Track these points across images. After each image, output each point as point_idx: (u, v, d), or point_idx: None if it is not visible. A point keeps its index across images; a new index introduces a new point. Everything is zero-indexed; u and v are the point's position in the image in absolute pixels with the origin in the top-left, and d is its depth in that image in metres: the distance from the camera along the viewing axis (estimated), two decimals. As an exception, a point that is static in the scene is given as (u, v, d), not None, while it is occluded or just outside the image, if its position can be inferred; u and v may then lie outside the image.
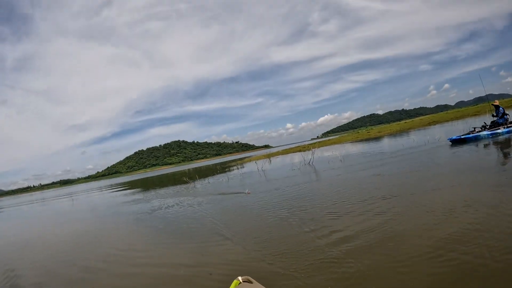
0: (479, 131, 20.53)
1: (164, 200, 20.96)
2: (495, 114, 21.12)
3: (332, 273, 5.39)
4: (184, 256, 7.92)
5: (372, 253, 5.82)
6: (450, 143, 20.53)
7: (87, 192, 62.90)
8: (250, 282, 3.75)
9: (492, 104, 21.77)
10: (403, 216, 7.54)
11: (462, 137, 20.24)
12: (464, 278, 4.49)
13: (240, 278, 3.77)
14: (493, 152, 15.19)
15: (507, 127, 20.09)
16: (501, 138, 18.83)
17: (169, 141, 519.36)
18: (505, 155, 13.73)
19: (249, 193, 14.57)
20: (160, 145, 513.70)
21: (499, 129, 20.11)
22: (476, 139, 19.91)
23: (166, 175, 73.93)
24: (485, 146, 17.10)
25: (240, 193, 16.80)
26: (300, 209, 10.47)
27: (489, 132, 20.06)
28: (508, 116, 20.77)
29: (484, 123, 21.47)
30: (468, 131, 21.48)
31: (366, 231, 7.02)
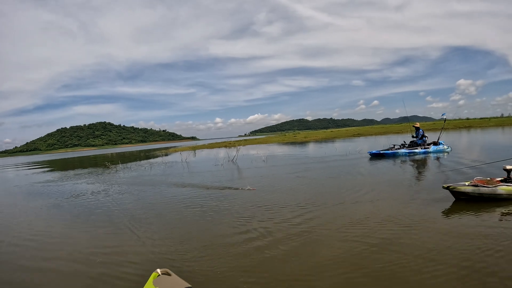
0: (398, 149, 21.57)
1: (80, 185, 20.15)
2: (414, 135, 22.22)
3: (246, 267, 5.46)
4: (98, 246, 7.48)
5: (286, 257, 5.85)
6: (370, 156, 21.43)
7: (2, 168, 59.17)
8: (169, 274, 4.12)
9: (413, 126, 23.05)
10: (318, 222, 7.69)
11: (381, 152, 21.26)
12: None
13: (159, 270, 4.11)
14: (407, 169, 15.97)
15: (424, 148, 21.21)
16: (417, 157, 19.80)
17: (94, 122, 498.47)
18: (419, 174, 14.47)
19: (253, 189, 12.97)
20: (84, 125, 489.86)
21: (417, 149, 21.17)
22: (394, 156, 20.83)
23: (88, 158, 71.08)
24: (402, 162, 17.99)
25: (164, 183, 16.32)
26: (213, 208, 10.39)
27: (407, 151, 21.07)
28: (426, 138, 21.96)
29: (404, 141, 22.49)
30: (388, 147, 22.39)
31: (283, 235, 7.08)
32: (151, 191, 14.60)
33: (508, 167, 8.91)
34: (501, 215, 7.32)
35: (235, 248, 6.33)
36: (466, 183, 8.68)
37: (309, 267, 5.23)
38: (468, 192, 8.43)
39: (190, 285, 3.90)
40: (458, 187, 8.50)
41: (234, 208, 9.89)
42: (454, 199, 8.66)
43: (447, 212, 7.79)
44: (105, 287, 5.26)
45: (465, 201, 8.41)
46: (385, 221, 7.25)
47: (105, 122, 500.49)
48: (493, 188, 8.28)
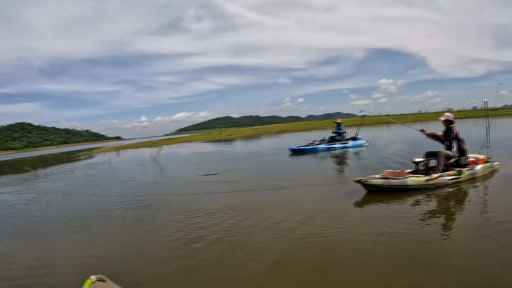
0: (318, 144, 21.96)
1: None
2: (335, 131, 22.76)
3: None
4: (25, 254, 7.10)
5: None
6: (291, 152, 21.64)
7: None
8: (104, 281, 3.83)
9: (335, 122, 23.70)
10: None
11: (301, 148, 21.58)
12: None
13: (93, 277, 3.79)
14: (324, 164, 16.34)
15: (343, 143, 21.77)
16: (336, 152, 20.21)
17: (12, 122, 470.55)
18: (335, 168, 14.90)
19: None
20: (2, 126, 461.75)
21: (336, 144, 21.71)
22: (314, 151, 21.09)
23: (8, 162, 66.91)
24: (321, 158, 18.33)
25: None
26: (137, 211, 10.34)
27: (326, 146, 21.52)
28: (346, 134, 22.60)
29: (323, 137, 23.11)
30: (308, 143, 22.71)
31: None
32: (74, 197, 13.84)
33: (416, 159, 9.46)
34: (411, 204, 7.68)
35: (166, 252, 6.15)
36: (377, 176, 8.86)
37: (233, 267, 5.14)
38: (379, 185, 8.62)
39: None
40: (369, 180, 8.66)
41: (161, 208, 9.78)
42: (367, 191, 8.83)
43: (360, 204, 8.03)
44: None
45: (377, 193, 8.61)
46: (300, 215, 7.31)
47: (24, 122, 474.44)
48: (402, 179, 8.55)
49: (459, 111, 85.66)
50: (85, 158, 42.50)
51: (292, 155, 20.63)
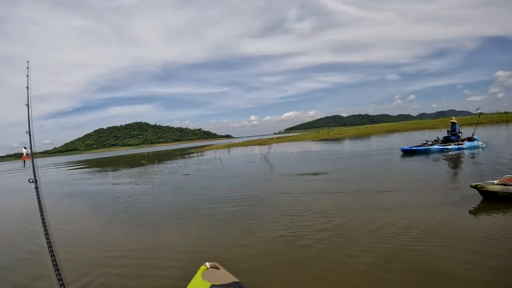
0: (430, 145, 21.18)
1: (125, 185, 20.64)
2: (450, 130, 21.85)
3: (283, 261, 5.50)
4: (140, 239, 7.89)
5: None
6: (402, 152, 21.11)
7: (49, 168, 60.95)
8: (217, 268, 4.13)
9: (450, 121, 22.60)
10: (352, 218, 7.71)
11: (413, 148, 20.91)
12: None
13: (207, 263, 4.12)
14: (438, 166, 15.53)
15: (458, 144, 20.71)
16: (450, 153, 19.28)
17: (130, 122, 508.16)
18: (450, 171, 14.06)
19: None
20: (121, 125, 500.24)
21: (450, 145, 20.75)
22: (426, 152, 20.42)
23: (125, 157, 72.46)
24: (434, 159, 17.53)
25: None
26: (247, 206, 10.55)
27: (440, 147, 20.67)
28: (461, 134, 21.50)
29: (437, 137, 22.25)
30: (421, 143, 22.03)
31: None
32: (185, 190, 14.71)
33: None
34: None
35: (270, 246, 6.47)
36: (495, 182, 8.26)
37: (345, 268, 5.22)
38: (497, 191, 7.97)
39: (238, 280, 3.82)
40: (486, 186, 8.07)
41: (269, 205, 10.05)
42: (483, 198, 8.29)
43: (474, 212, 7.51)
44: (156, 279, 5.46)
45: (494, 201, 7.99)
46: (412, 221, 7.13)
47: (141, 122, 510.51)
48: None
49: None
50: (197, 155, 44.43)
51: (403, 155, 20.05)
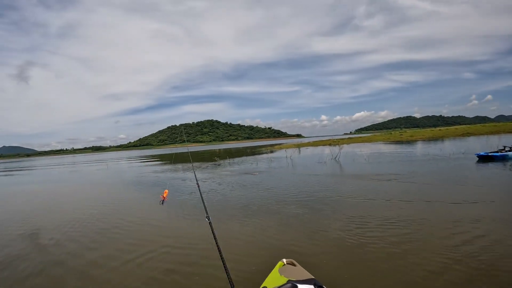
0: (508, 151, 20.32)
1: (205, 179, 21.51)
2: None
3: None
4: (240, 235, 8.24)
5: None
6: (477, 158, 20.51)
7: (128, 161, 64.23)
8: (294, 265, 4.34)
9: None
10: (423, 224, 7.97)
11: (490, 154, 20.14)
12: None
13: (284, 260, 4.32)
14: None
15: (539, 150, 19.60)
16: (530, 160, 18.21)
17: (202, 120, 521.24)
18: None
19: (255, 174, 14.35)
20: (193, 122, 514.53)
21: (531, 152, 19.69)
22: (503, 158, 19.69)
23: (200, 153, 74.87)
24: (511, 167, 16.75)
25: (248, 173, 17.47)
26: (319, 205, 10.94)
27: (519, 154, 19.72)
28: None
29: (516, 143, 21.27)
30: (497, 149, 21.37)
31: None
32: (261, 187, 15.21)
33: None
34: None
35: (349, 244, 6.82)
36: None
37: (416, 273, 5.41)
38: None
39: (313, 277, 3.74)
40: None
41: (337, 202, 10.40)
42: None
43: None
44: (233, 271, 5.62)
45: None
46: (483, 236, 7.11)
47: (212, 119, 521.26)
48: None
49: None
50: (268, 154, 44.98)
51: (478, 161, 19.39)
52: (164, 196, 4.88)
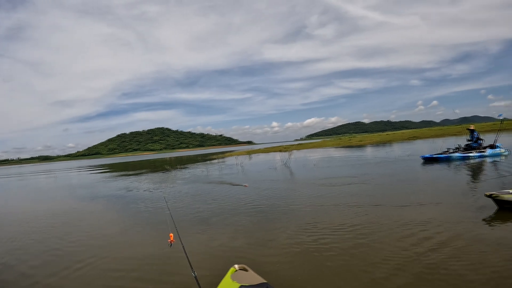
0: (452, 152, 21.06)
1: (151, 192, 21.38)
2: (469, 138, 21.76)
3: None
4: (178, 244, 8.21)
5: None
6: (423, 160, 21.17)
7: (72, 171, 62.23)
8: (246, 270, 4.34)
9: (467, 129, 22.49)
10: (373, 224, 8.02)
11: (435, 156, 20.90)
12: None
13: (236, 266, 4.36)
14: (458, 175, 15.33)
15: (479, 151, 20.62)
16: (472, 161, 19.16)
17: (153, 127, 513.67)
18: (470, 180, 13.90)
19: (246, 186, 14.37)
20: (143, 130, 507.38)
21: (472, 153, 20.63)
22: (447, 160, 20.39)
23: (148, 161, 73.68)
24: (455, 167, 17.40)
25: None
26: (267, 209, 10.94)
27: (461, 155, 20.56)
28: (482, 141, 21.35)
29: (458, 145, 22.21)
30: (442, 151, 22.07)
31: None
32: (212, 193, 15.18)
33: None
34: None
35: (300, 249, 6.79)
36: (511, 191, 8.19)
37: (366, 274, 5.44)
38: None
39: (266, 281, 4.01)
40: (502, 196, 8.03)
41: (290, 208, 10.46)
42: (497, 208, 8.29)
43: (489, 222, 7.50)
44: (186, 279, 5.68)
45: (510, 211, 7.98)
46: (426, 227, 7.43)
47: (163, 127, 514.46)
48: None
49: None
50: (219, 161, 44.81)
51: (424, 163, 20.02)
52: (171, 239, 4.86)
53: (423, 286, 4.91)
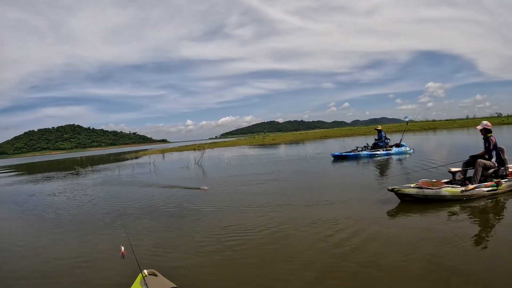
0: (360, 151, 21.88)
1: (54, 196, 20.69)
2: (377, 138, 22.67)
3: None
4: (80, 251, 7.47)
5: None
6: (332, 158, 21.77)
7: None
8: (155, 275, 4.18)
9: (375, 129, 23.73)
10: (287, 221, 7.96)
11: (344, 154, 21.61)
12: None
13: (145, 271, 4.11)
14: (365, 171, 16.12)
15: (386, 150, 21.55)
16: (379, 159, 20.07)
17: (63, 124, 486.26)
18: (376, 175, 14.56)
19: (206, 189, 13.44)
20: (53, 127, 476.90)
21: (379, 151, 21.51)
22: (356, 157, 21.10)
23: (58, 161, 70.11)
24: (363, 164, 18.23)
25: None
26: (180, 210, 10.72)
27: (369, 153, 21.40)
28: (388, 140, 22.33)
29: (366, 143, 23.13)
30: (351, 149, 22.76)
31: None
32: (123, 194, 14.75)
33: (453, 169, 9.17)
34: (444, 216, 7.50)
35: (212, 250, 6.58)
36: (411, 185, 8.76)
37: (281, 269, 5.40)
38: (412, 194, 8.51)
39: (176, 285, 3.97)
40: (403, 189, 8.57)
41: (199, 209, 10.32)
42: (400, 201, 8.78)
43: (392, 214, 7.97)
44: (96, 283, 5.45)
45: (410, 203, 8.53)
46: (332, 223, 7.47)
47: (74, 124, 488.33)
48: (437, 190, 8.41)
49: (509, 116, 79.77)
50: (132, 161, 43.63)
51: (334, 161, 20.65)
52: (123, 251, 4.47)
53: (329, 278, 4.90)
